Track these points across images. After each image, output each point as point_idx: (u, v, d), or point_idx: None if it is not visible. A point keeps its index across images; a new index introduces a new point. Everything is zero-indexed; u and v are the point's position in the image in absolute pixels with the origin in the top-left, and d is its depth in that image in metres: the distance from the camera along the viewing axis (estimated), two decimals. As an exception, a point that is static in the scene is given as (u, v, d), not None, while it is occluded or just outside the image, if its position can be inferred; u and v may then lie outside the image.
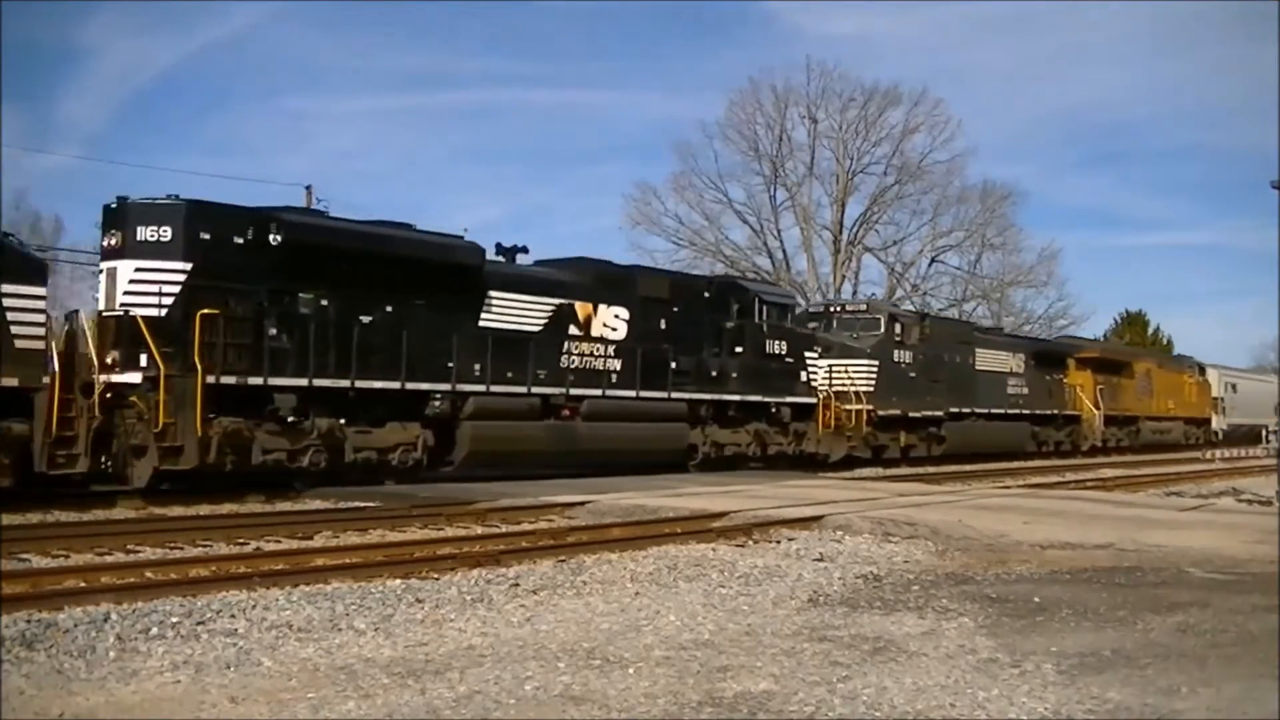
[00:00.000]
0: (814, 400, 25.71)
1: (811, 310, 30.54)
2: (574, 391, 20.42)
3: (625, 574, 9.69)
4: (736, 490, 17.69)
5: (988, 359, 33.88)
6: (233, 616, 7.45)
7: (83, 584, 8.50)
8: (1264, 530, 13.15)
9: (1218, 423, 51.85)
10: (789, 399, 25.10)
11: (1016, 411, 34.77)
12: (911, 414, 29.45)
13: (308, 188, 36.05)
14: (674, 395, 22.17)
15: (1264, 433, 54.33)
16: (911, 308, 50.64)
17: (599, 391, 20.90)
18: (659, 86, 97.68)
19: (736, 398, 23.74)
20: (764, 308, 24.86)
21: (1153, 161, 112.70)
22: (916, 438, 29.96)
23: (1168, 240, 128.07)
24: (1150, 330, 72.95)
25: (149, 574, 9.11)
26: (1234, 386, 59.02)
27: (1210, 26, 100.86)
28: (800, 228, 53.84)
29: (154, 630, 6.94)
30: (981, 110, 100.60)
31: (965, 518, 13.85)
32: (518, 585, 8.97)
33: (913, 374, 29.65)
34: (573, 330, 20.65)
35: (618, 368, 21.46)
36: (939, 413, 30.54)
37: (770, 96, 52.71)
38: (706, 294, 23.98)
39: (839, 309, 30.53)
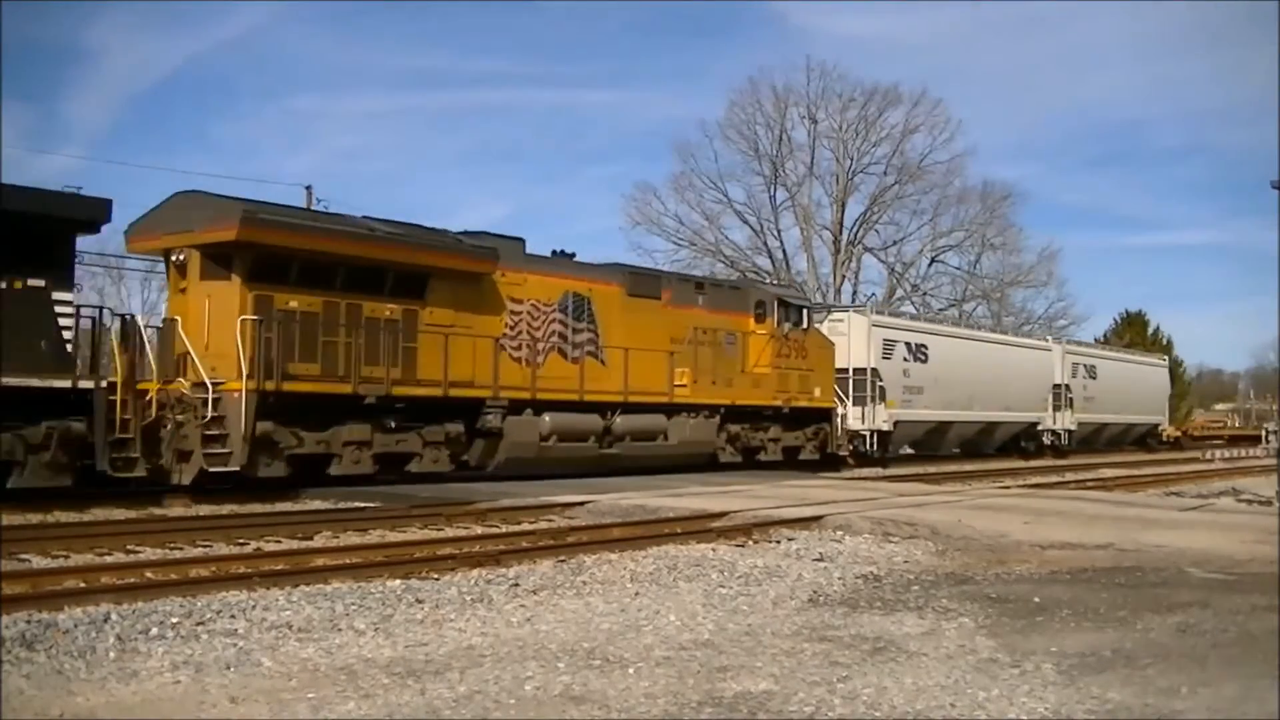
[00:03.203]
0: None
1: None
2: None
3: (625, 574, 9.69)
4: (736, 490, 17.71)
5: None
6: (233, 616, 7.45)
7: (83, 584, 8.50)
8: (1264, 530, 13.15)
9: (862, 418, 28.94)
10: None
11: None
12: None
13: (308, 188, 36.13)
14: None
15: (1264, 433, 53.67)
16: (912, 308, 50.70)
17: None
18: (666, 87, 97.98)
19: None
20: None
21: (1153, 161, 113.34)
22: None
23: (1168, 240, 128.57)
24: (1150, 330, 72.94)
25: (149, 574, 9.12)
26: (1090, 370, 42.01)
27: (1211, 27, 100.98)
28: (800, 228, 53.91)
29: (154, 630, 6.94)
30: (982, 111, 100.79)
31: (965, 518, 13.85)
32: (518, 585, 8.97)
33: None
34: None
35: None
36: None
37: (770, 96, 52.80)
38: None
39: None
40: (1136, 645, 7.02)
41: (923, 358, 32.12)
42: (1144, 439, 47.75)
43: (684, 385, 22.78)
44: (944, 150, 54.08)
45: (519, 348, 20.00)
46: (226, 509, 14.91)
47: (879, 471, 26.95)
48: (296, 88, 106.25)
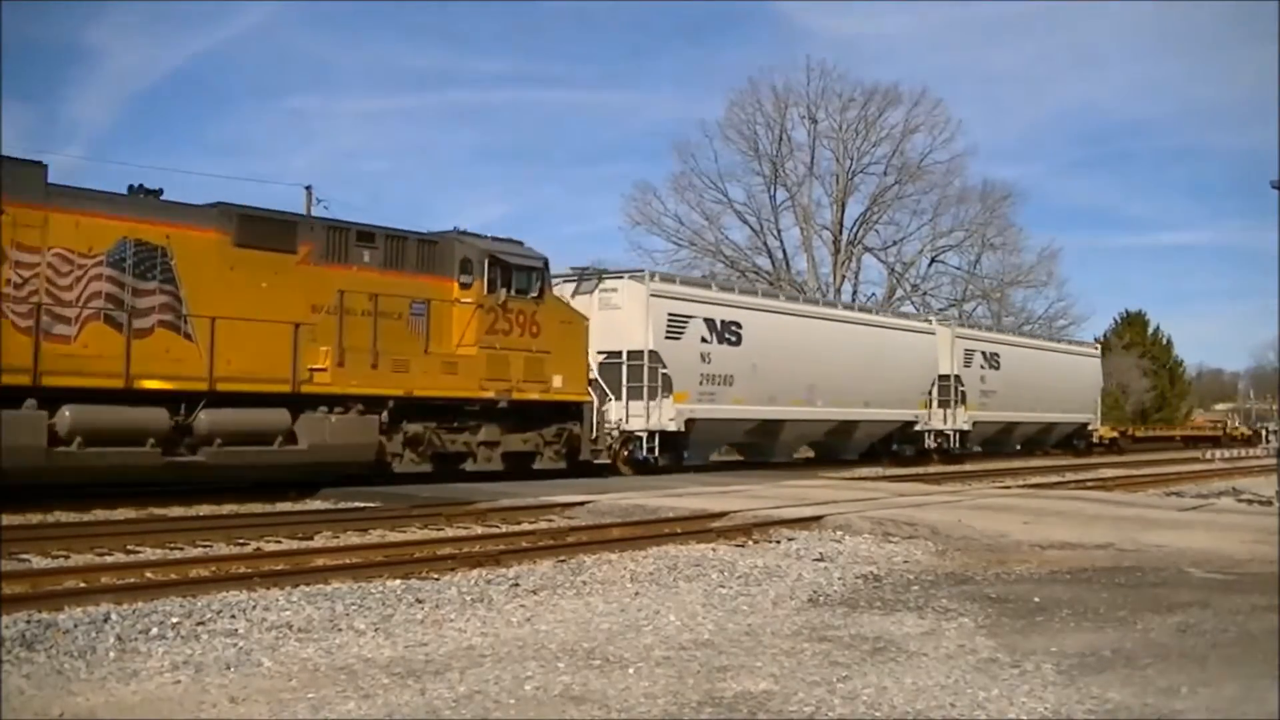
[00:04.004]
0: None
1: None
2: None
3: (625, 574, 9.69)
4: (736, 490, 17.73)
5: None
6: (233, 616, 7.45)
7: (83, 584, 8.50)
8: (1264, 530, 13.15)
9: (645, 414, 23.20)
10: None
11: None
12: None
13: (308, 188, 36.13)
14: None
15: (1264, 433, 53.40)
16: (912, 308, 50.71)
17: None
18: (666, 87, 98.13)
19: None
20: None
21: (1153, 162, 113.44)
22: None
23: (1168, 240, 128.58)
24: (1150, 330, 73.00)
25: (149, 574, 9.11)
26: (991, 359, 35.38)
27: (1211, 27, 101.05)
28: (800, 228, 53.89)
29: (154, 630, 6.94)
30: (982, 110, 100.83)
31: (965, 517, 13.86)
32: (518, 585, 8.97)
33: None
34: None
35: None
36: None
37: (770, 96, 52.70)
38: None
39: None
40: (1136, 645, 7.02)
41: (733, 339, 25.51)
42: (1070, 440, 42.26)
43: (323, 369, 16.84)
44: (944, 150, 54.05)
45: (29, 314, 14.31)
46: (226, 509, 14.92)
47: (879, 471, 26.81)
48: (296, 88, 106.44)
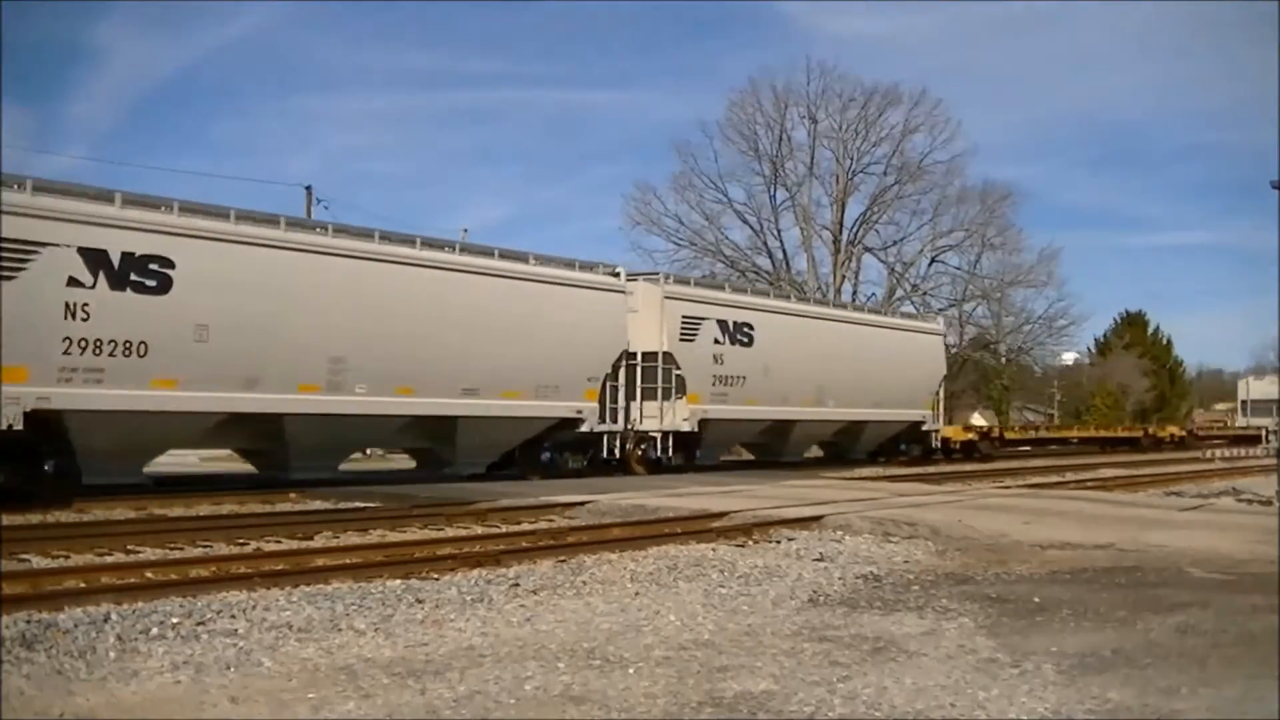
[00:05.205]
0: None
1: None
2: None
3: (625, 574, 9.69)
4: (736, 490, 17.73)
5: None
6: (233, 617, 7.45)
7: (83, 584, 8.50)
8: (1264, 530, 13.15)
9: None
10: None
11: None
12: None
13: (308, 188, 36.04)
14: None
15: (1264, 433, 53.32)
16: (912, 308, 50.63)
17: None
18: (666, 87, 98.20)
19: None
20: None
21: (1153, 162, 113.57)
22: None
23: (1168, 240, 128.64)
24: (1150, 330, 72.97)
25: (149, 574, 9.12)
26: (737, 331, 24.74)
27: (1211, 28, 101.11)
28: (800, 228, 53.81)
29: (154, 630, 6.94)
30: (982, 111, 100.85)
31: (965, 517, 13.85)
32: (518, 585, 8.97)
33: None
34: None
35: None
36: None
37: (770, 96, 52.56)
38: None
39: None
40: (1136, 645, 7.02)
41: (151, 283, 15.16)
42: (897, 445, 31.51)
43: None
44: (944, 150, 53.74)
45: None
46: (226, 509, 14.93)
47: (879, 471, 26.72)
48: (296, 88, 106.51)
